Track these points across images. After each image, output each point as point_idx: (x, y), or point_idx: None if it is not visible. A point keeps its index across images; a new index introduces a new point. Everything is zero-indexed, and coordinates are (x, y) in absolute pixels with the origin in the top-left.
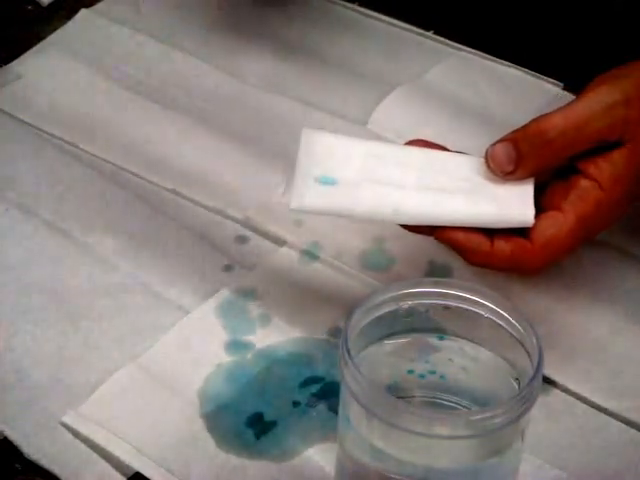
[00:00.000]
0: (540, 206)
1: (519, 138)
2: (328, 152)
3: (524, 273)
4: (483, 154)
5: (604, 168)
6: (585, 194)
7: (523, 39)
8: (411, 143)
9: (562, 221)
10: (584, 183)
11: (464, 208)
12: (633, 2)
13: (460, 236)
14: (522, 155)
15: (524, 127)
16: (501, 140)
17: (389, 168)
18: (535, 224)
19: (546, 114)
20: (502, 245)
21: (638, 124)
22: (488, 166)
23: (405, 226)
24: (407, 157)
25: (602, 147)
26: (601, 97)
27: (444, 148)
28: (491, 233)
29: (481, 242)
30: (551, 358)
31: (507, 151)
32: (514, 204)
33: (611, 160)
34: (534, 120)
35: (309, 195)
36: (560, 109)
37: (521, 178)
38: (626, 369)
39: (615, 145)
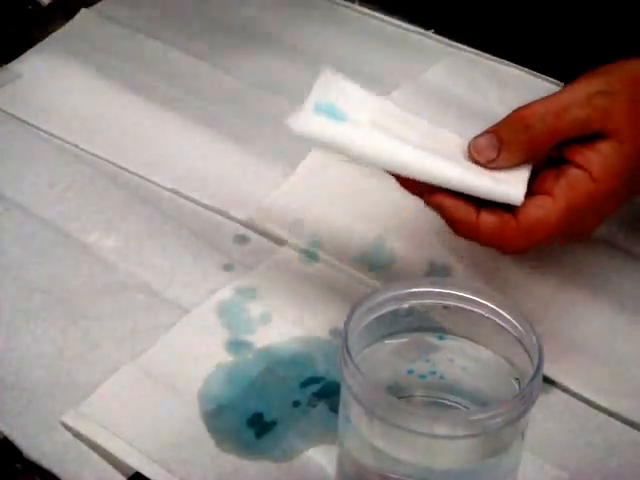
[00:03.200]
0: (531, 191)
1: (500, 127)
2: (343, 91)
3: (507, 251)
4: None
5: (592, 157)
6: (576, 182)
7: (523, 38)
8: None
9: (551, 206)
10: (574, 171)
11: (459, 172)
12: (633, 2)
13: (449, 202)
14: (503, 141)
15: (506, 117)
16: (483, 132)
17: (397, 125)
18: (524, 204)
19: (529, 102)
20: (488, 218)
21: (623, 115)
22: (472, 158)
23: (397, 178)
24: (417, 123)
25: (589, 137)
26: (584, 87)
27: None
28: (479, 206)
29: (468, 211)
30: (551, 358)
31: (489, 139)
32: (508, 181)
33: (598, 150)
34: (516, 109)
35: (313, 123)
36: (543, 97)
37: (505, 165)
38: (626, 369)
39: (599, 136)
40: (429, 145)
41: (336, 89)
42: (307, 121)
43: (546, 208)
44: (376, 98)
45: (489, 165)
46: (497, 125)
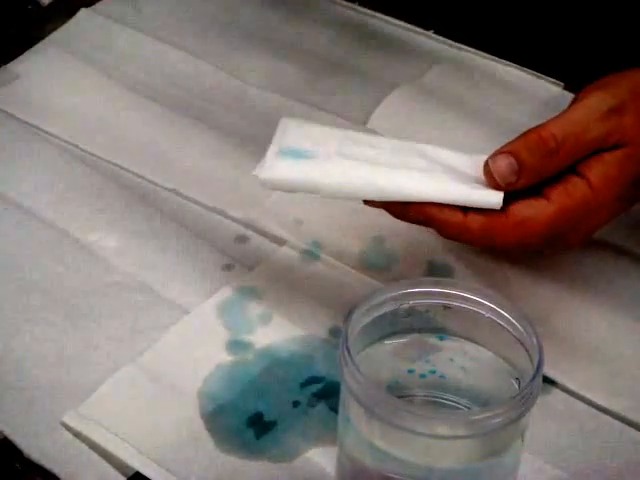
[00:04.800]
0: (528, 193)
1: (519, 149)
2: (303, 133)
3: (497, 246)
4: (481, 152)
5: (594, 167)
6: (573, 189)
7: (523, 39)
8: None
9: (543, 206)
10: (574, 179)
11: (435, 185)
12: (633, 2)
13: (434, 209)
14: (524, 165)
15: (523, 137)
16: (500, 152)
17: (363, 148)
18: (515, 203)
19: (543, 124)
20: (475, 217)
21: (633, 129)
22: (488, 178)
23: (373, 203)
24: (384, 143)
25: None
26: (596, 105)
27: None
28: (466, 210)
29: (454, 213)
30: (551, 358)
31: (509, 162)
32: (485, 187)
33: (602, 160)
34: (532, 130)
35: (279, 167)
36: (557, 118)
37: (522, 187)
38: (626, 369)
39: (612, 149)
40: (401, 160)
41: (296, 131)
42: (273, 167)
43: (538, 208)
44: (338, 130)
45: (505, 187)
46: (515, 145)
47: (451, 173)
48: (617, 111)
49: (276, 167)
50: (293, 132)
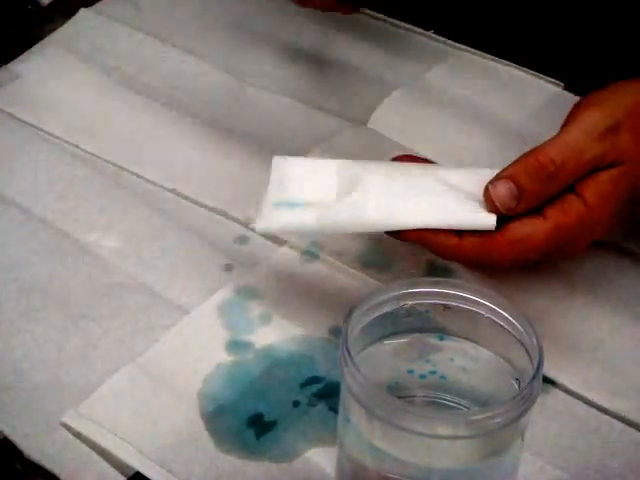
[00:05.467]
0: (524, 213)
1: (519, 174)
2: (297, 176)
3: (494, 263)
4: (481, 155)
5: (591, 185)
6: (569, 207)
7: (523, 39)
8: (397, 158)
9: (539, 224)
10: (570, 197)
11: (428, 213)
12: (632, 2)
13: (428, 233)
14: (524, 191)
15: (522, 161)
16: (500, 177)
17: (357, 180)
18: (512, 221)
19: (541, 146)
20: (470, 239)
21: (629, 147)
22: (488, 203)
23: None
24: (376, 169)
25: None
26: (593, 124)
27: (429, 162)
28: (461, 232)
29: (449, 237)
30: (551, 358)
31: (509, 188)
32: (478, 209)
33: (598, 179)
34: (531, 154)
35: (276, 216)
36: (555, 140)
37: (521, 212)
38: (626, 369)
39: (608, 167)
40: (393, 187)
41: (290, 175)
42: (269, 218)
43: (534, 226)
44: (331, 163)
45: (505, 212)
46: (515, 170)
47: (445, 194)
48: (613, 130)
49: (274, 218)
50: (287, 175)
